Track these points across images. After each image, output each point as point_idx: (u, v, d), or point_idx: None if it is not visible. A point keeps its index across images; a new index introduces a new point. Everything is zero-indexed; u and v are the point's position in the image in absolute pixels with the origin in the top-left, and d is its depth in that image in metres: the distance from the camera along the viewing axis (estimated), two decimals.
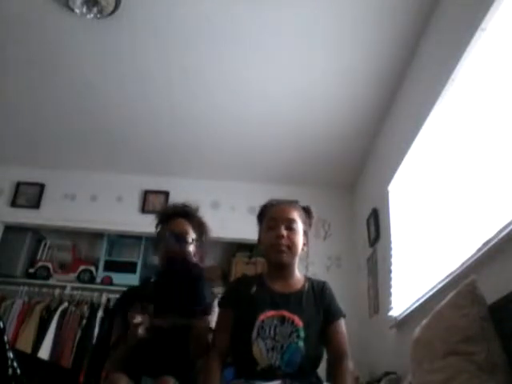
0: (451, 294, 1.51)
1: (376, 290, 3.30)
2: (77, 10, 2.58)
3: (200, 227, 1.99)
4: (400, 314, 2.66)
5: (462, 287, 1.47)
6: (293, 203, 1.82)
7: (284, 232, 1.66)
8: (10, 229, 4.27)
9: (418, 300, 2.35)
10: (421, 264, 2.47)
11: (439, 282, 2.09)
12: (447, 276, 2.01)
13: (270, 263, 1.73)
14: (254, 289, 1.66)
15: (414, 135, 2.67)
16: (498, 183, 1.73)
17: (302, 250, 1.74)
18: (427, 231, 2.43)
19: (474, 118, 2.01)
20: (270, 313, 1.57)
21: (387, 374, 2.55)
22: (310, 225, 1.82)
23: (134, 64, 3.00)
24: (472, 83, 2.05)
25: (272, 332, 1.54)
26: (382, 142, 3.50)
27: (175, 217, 1.97)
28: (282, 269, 1.69)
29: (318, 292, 1.71)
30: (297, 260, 1.73)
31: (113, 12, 2.60)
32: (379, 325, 3.17)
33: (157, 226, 2.01)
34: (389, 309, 2.91)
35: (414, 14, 2.51)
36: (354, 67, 2.93)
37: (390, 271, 2.97)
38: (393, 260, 2.96)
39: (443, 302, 1.53)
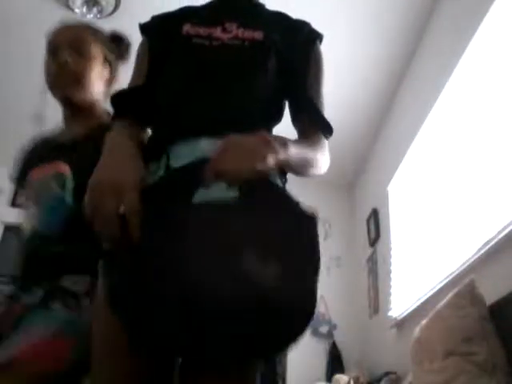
0: (451, 294, 1.51)
1: (376, 290, 3.30)
2: (77, 10, 2.58)
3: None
4: (400, 314, 2.66)
5: (462, 287, 1.48)
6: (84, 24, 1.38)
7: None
8: (10, 229, 4.26)
9: (418, 300, 2.35)
10: (421, 264, 2.47)
11: (439, 282, 2.09)
12: (447, 276, 2.01)
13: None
14: None
15: (413, 135, 2.67)
16: (497, 183, 1.73)
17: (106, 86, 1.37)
18: (427, 231, 2.43)
19: (473, 117, 2.01)
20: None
21: (387, 373, 2.55)
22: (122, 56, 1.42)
23: (133, 64, 2.99)
24: (471, 84, 2.05)
25: None
26: (381, 142, 3.50)
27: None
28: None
29: None
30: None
31: (113, 12, 2.60)
32: (379, 325, 3.17)
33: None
34: (389, 309, 2.91)
35: (414, 13, 2.51)
36: (354, 66, 2.93)
37: (389, 271, 2.97)
38: (393, 260, 2.96)
39: (443, 302, 1.53)
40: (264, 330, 0.69)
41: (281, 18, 1.08)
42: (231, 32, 0.97)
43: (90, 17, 2.61)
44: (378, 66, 2.91)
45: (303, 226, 0.76)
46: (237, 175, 0.75)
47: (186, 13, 1.09)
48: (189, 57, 0.98)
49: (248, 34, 0.97)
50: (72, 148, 1.24)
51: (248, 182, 0.75)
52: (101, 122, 1.30)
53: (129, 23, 2.69)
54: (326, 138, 1.00)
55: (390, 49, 2.76)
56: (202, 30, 0.98)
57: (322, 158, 0.98)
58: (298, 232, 0.75)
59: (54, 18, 2.66)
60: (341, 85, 3.09)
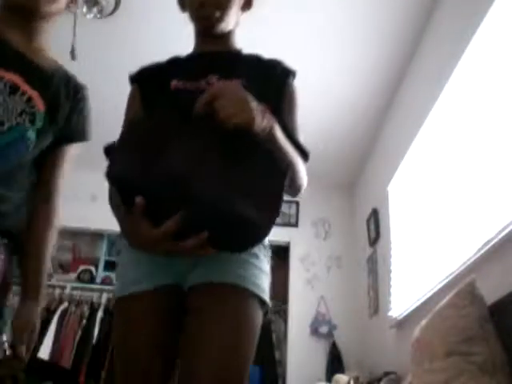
0: (451, 294, 1.51)
1: (376, 290, 3.30)
2: (77, 10, 2.58)
3: None
4: (400, 314, 2.66)
5: (462, 287, 1.48)
6: None
7: None
8: None
9: (418, 300, 2.35)
10: (421, 264, 2.47)
11: (439, 282, 2.09)
12: (447, 276, 2.01)
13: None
14: None
15: (413, 135, 2.67)
16: (498, 183, 1.73)
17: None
18: (427, 231, 2.43)
19: (473, 118, 2.01)
20: None
21: (387, 373, 2.55)
22: None
23: (134, 64, 2.99)
24: (471, 85, 2.05)
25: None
26: (381, 142, 3.50)
27: None
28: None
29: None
30: None
31: (113, 12, 2.60)
32: (379, 325, 3.17)
33: None
34: (389, 309, 2.91)
35: (414, 13, 2.51)
36: (354, 66, 2.93)
37: (389, 271, 2.97)
38: (393, 260, 2.96)
39: (443, 302, 1.53)
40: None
41: (256, 62, 1.20)
42: (214, 85, 1.08)
43: (89, 17, 2.60)
44: (378, 67, 2.91)
45: (271, 176, 0.91)
46: (230, 116, 0.86)
47: (173, 66, 1.20)
48: (178, 109, 1.06)
49: None
50: (33, 71, 1.11)
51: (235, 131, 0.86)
52: (58, 65, 1.22)
53: (129, 23, 2.70)
54: (305, 161, 1.10)
55: (389, 49, 2.76)
56: (189, 85, 1.10)
57: (303, 167, 1.08)
58: (265, 177, 0.90)
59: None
60: (342, 86, 3.09)
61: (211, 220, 0.86)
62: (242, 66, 1.18)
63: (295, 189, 1.09)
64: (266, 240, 1.09)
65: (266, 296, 1.04)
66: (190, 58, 1.21)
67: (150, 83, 1.19)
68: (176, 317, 1.03)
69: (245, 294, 0.99)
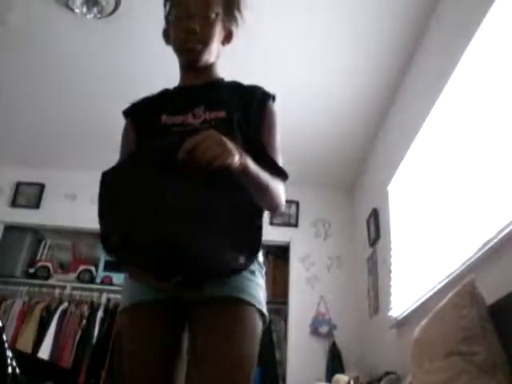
0: (451, 294, 1.51)
1: (376, 290, 3.30)
2: (77, 10, 2.58)
3: None
4: (400, 314, 2.66)
5: (461, 287, 1.48)
6: None
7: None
8: (10, 229, 4.26)
9: (418, 300, 2.35)
10: (420, 264, 2.47)
11: (439, 282, 2.09)
12: (447, 276, 2.01)
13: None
14: None
15: (413, 135, 2.67)
16: (498, 183, 1.73)
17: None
18: (427, 231, 2.43)
19: (473, 117, 2.01)
20: None
21: (387, 374, 2.55)
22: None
23: (134, 64, 3.00)
24: (471, 85, 2.05)
25: None
26: (381, 142, 3.50)
27: None
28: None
29: None
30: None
31: (113, 12, 2.60)
32: (379, 325, 3.17)
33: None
34: (389, 309, 2.91)
35: (414, 11, 2.51)
36: (354, 67, 2.93)
37: (390, 271, 2.97)
38: (393, 260, 2.96)
39: (443, 302, 1.53)
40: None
41: (237, 89, 1.31)
42: (200, 117, 1.20)
43: (89, 17, 2.61)
44: (378, 67, 2.91)
45: (246, 214, 0.99)
46: (210, 162, 0.92)
47: (163, 99, 1.31)
48: (167, 141, 1.16)
49: (213, 115, 1.20)
50: None
51: (216, 171, 0.93)
52: None
53: (129, 23, 2.70)
54: (283, 180, 1.21)
55: (390, 49, 2.76)
56: (177, 119, 1.21)
57: (280, 189, 1.18)
58: (239, 215, 0.98)
59: (54, 17, 2.67)
60: (341, 84, 3.09)
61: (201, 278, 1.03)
62: (224, 95, 1.28)
63: (273, 208, 1.19)
64: (261, 258, 1.19)
65: (263, 308, 1.13)
66: (177, 91, 1.33)
67: (142, 118, 1.29)
68: (174, 322, 1.13)
69: (243, 305, 1.08)
